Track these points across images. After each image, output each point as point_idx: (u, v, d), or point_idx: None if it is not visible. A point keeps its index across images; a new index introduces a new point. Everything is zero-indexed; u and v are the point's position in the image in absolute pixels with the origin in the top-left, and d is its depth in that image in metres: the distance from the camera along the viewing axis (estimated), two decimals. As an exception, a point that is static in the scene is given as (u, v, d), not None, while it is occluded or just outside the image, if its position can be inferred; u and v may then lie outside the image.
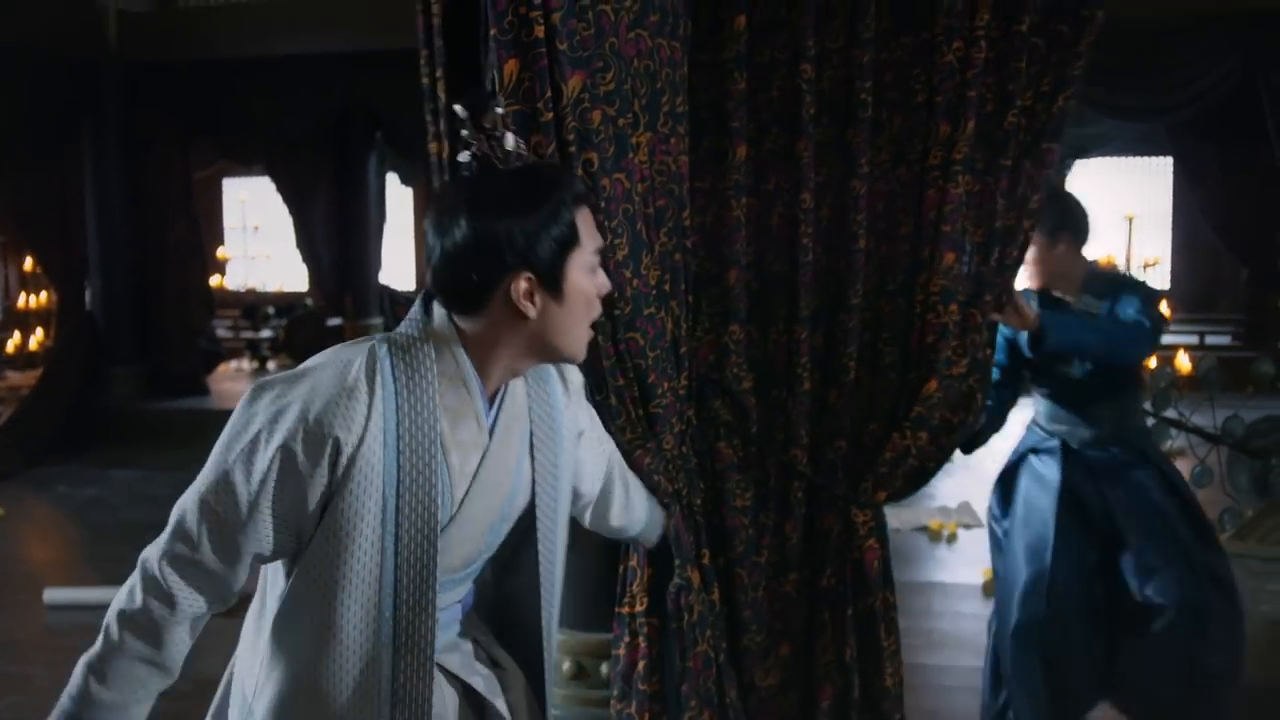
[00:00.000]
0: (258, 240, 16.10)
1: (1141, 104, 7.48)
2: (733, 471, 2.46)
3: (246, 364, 12.66)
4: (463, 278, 1.58)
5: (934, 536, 5.91)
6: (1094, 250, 11.73)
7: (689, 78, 2.33)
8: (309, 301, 13.79)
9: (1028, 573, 3.12)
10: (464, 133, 1.58)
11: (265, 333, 13.20)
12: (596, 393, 2.13)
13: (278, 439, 1.55)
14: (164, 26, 9.26)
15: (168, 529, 1.61)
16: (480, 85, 1.52)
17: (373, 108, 10.08)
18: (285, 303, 14.17)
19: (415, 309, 1.69)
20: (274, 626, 1.67)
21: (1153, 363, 8.35)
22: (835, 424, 2.48)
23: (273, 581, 1.72)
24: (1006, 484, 3.37)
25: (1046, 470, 3.21)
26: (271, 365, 12.39)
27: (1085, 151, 10.69)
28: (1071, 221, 3.10)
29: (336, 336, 10.67)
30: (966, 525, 6.07)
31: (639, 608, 2.31)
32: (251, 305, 14.02)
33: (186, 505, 1.60)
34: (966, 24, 2.37)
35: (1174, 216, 12.59)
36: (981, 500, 6.44)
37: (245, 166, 13.64)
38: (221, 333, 12.79)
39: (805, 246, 2.40)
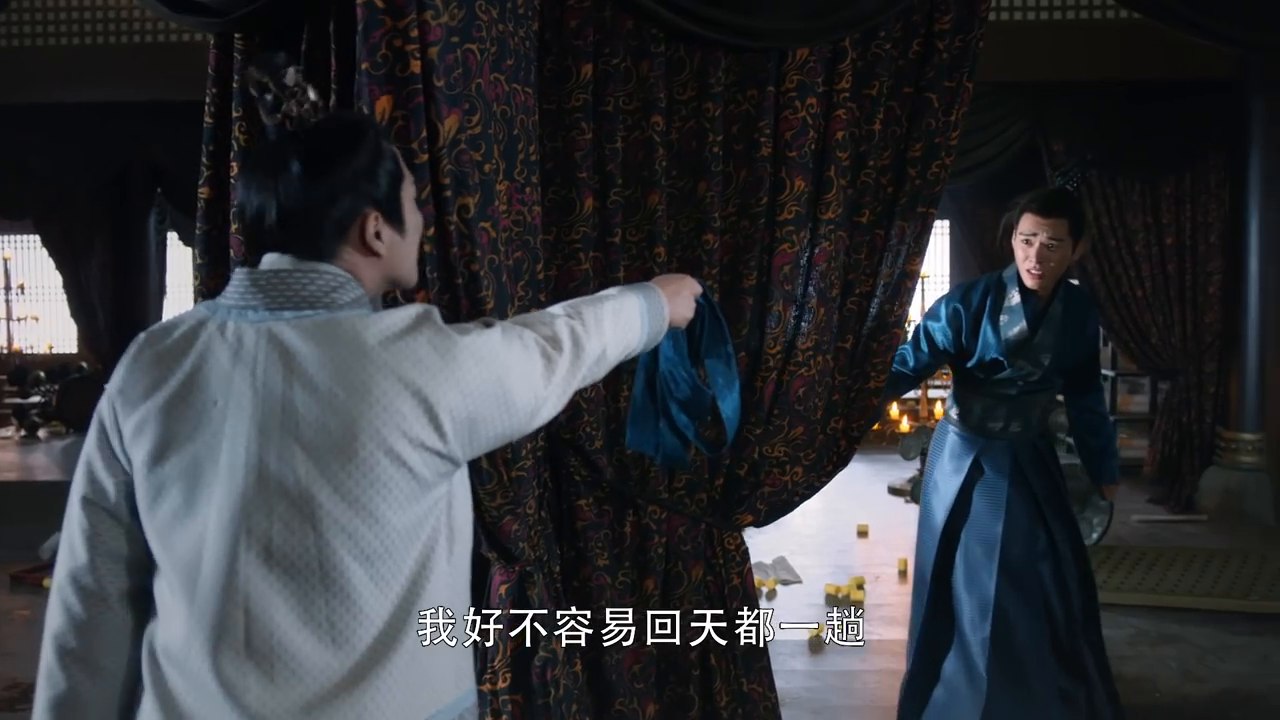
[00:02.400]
0: (23, 301, 15.07)
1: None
2: (592, 530, 2.37)
3: (13, 431, 11.74)
4: (315, 227, 1.48)
5: (751, 592, 5.93)
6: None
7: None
8: (85, 365, 12.92)
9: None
10: (267, 97, 1.49)
11: (35, 398, 12.29)
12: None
13: None
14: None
15: None
16: (270, 60, 1.46)
17: (155, 162, 9.59)
18: (56, 365, 13.26)
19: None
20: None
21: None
22: (695, 476, 2.42)
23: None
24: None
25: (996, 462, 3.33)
26: (42, 434, 11.52)
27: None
28: (1085, 224, 3.30)
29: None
30: (785, 581, 6.09)
31: (501, 684, 2.18)
32: (19, 369, 13.04)
33: None
34: (822, 84, 2.38)
35: (950, 277, 13.17)
36: (794, 555, 6.54)
37: (12, 222, 12.77)
38: (-16, 399, 11.88)
39: (658, 301, 2.34)
